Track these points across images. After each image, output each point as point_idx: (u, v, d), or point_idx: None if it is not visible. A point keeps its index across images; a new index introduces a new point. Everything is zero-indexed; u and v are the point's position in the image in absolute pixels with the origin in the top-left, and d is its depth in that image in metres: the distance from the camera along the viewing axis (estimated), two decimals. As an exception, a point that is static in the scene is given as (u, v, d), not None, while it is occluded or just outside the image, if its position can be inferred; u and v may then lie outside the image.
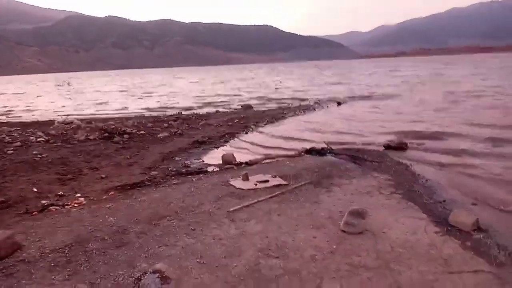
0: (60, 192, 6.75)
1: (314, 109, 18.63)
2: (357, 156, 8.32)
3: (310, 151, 8.92)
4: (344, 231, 4.43)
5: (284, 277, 3.54)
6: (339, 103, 20.32)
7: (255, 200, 5.57)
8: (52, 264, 3.87)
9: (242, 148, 10.67)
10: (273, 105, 21.29)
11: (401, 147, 9.12)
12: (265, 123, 14.85)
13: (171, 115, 17.37)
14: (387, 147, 9.20)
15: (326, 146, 9.23)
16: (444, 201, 5.56)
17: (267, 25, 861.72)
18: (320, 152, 8.75)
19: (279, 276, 3.55)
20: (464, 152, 8.63)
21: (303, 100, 23.27)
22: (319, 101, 22.05)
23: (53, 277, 3.62)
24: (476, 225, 4.47)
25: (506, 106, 15.83)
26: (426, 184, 6.40)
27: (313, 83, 41.02)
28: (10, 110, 25.48)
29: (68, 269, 3.76)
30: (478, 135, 10.30)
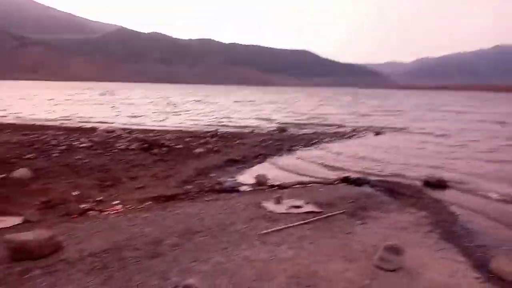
0: (99, 198, 7.00)
1: (351, 137, 18.43)
2: (394, 190, 8.12)
3: (345, 180, 8.81)
4: (378, 267, 4.33)
5: (314, 307, 3.49)
6: (377, 133, 20.00)
7: (287, 225, 5.55)
8: (90, 268, 4.01)
9: (275, 170, 10.68)
10: (308, 130, 21.25)
11: (440, 184, 8.82)
12: (299, 146, 14.83)
13: (208, 132, 17.70)
14: (426, 183, 8.94)
15: (362, 176, 9.09)
16: (484, 245, 5.30)
17: (305, 50, 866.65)
18: (356, 182, 8.61)
19: (309, 306, 3.50)
20: (508, 197, 8.23)
21: (339, 126, 23.12)
22: (356, 129, 21.83)
23: (89, 280, 3.75)
24: (520, 275, 4.24)
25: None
26: (466, 226, 6.13)
27: (350, 111, 40.63)
28: (62, 116, 26.83)
29: (104, 274, 3.88)
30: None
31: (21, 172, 7.94)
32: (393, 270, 4.26)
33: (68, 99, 48.60)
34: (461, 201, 7.71)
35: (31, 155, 9.85)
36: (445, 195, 8.10)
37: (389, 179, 9.57)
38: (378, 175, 9.96)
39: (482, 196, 8.26)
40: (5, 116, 24.63)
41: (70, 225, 5.32)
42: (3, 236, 4.42)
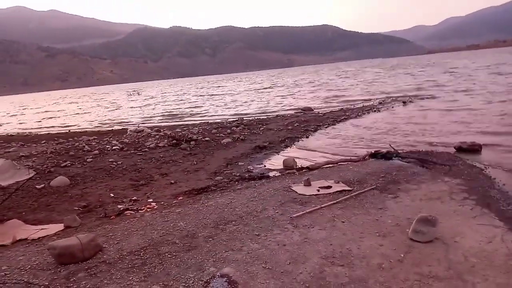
0: (134, 197, 7.25)
1: (378, 110, 18.04)
2: (425, 160, 7.93)
3: (374, 155, 8.69)
4: (412, 239, 4.29)
5: (350, 285, 3.51)
6: (404, 103, 19.50)
7: (318, 206, 5.56)
8: (130, 266, 4.18)
9: (303, 152, 10.67)
10: (334, 107, 20.96)
11: (474, 149, 8.56)
12: (326, 126, 14.70)
13: (233, 121, 17.79)
14: (459, 149, 8.69)
15: (391, 149, 8.93)
16: (524, 207, 5.14)
17: (326, 25, 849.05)
18: (386, 156, 8.47)
19: (345, 284, 3.53)
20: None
21: (366, 101, 22.65)
22: (383, 101, 21.34)
23: (130, 278, 3.91)
24: None
25: None
26: (503, 189, 5.97)
27: (376, 82, 39.59)
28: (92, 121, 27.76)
29: (143, 271, 4.04)
30: None
31: (59, 180, 8.31)
32: (428, 242, 4.21)
33: (95, 106, 50.05)
34: (496, 163, 7.49)
35: (67, 162, 10.27)
36: (480, 159, 7.88)
37: (420, 149, 9.37)
38: (408, 146, 9.76)
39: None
40: (41, 128, 25.70)
41: (109, 226, 5.55)
42: (47, 243, 4.69)
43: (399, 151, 8.80)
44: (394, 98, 21.93)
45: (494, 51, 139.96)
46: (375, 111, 17.85)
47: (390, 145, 9.39)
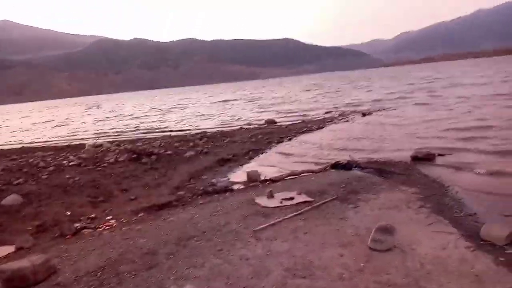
0: (92, 215, 6.98)
1: (339, 122, 18.48)
2: (384, 169, 8.19)
3: (335, 166, 8.86)
4: (372, 248, 4.38)
5: (311, 297, 3.53)
6: (364, 114, 20.11)
7: (281, 218, 5.59)
8: (86, 287, 4.00)
9: (267, 164, 10.71)
10: (297, 120, 21.26)
11: (428, 158, 8.93)
12: (289, 137, 14.85)
13: (196, 134, 17.63)
14: (415, 158, 9.04)
15: (351, 159, 9.15)
16: (475, 214, 5.39)
17: (288, 38, 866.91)
18: (346, 167, 8.67)
19: (306, 296, 3.54)
20: (496, 162, 8.34)
21: (327, 113, 23.15)
22: (343, 113, 21.89)
23: (87, 300, 3.75)
24: (510, 238, 4.32)
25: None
26: (455, 197, 6.24)
27: (337, 95, 40.70)
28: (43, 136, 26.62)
29: (101, 293, 3.88)
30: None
31: (12, 199, 7.86)
32: (387, 250, 4.32)
33: (52, 120, 48.20)
34: (450, 172, 7.82)
35: (20, 179, 9.74)
36: (435, 168, 8.19)
37: (379, 158, 9.65)
38: (368, 156, 10.03)
39: (471, 164, 8.35)
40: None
41: (64, 246, 5.31)
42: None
43: (359, 161, 9.04)
44: (354, 110, 22.55)
45: (447, 64, 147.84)
46: (335, 122, 18.25)
47: (349, 155, 9.62)
